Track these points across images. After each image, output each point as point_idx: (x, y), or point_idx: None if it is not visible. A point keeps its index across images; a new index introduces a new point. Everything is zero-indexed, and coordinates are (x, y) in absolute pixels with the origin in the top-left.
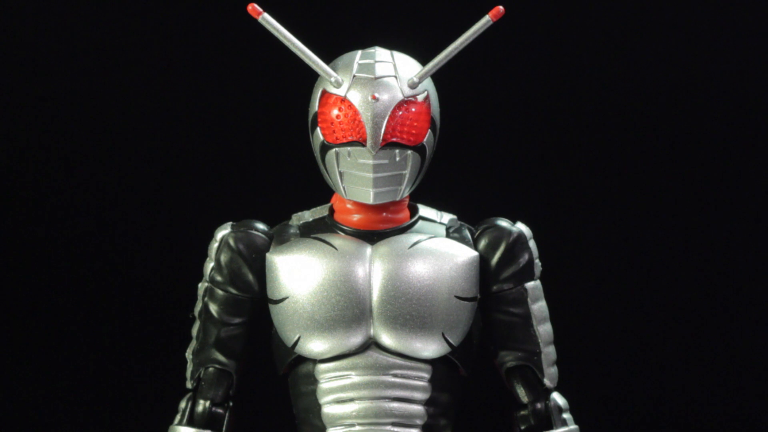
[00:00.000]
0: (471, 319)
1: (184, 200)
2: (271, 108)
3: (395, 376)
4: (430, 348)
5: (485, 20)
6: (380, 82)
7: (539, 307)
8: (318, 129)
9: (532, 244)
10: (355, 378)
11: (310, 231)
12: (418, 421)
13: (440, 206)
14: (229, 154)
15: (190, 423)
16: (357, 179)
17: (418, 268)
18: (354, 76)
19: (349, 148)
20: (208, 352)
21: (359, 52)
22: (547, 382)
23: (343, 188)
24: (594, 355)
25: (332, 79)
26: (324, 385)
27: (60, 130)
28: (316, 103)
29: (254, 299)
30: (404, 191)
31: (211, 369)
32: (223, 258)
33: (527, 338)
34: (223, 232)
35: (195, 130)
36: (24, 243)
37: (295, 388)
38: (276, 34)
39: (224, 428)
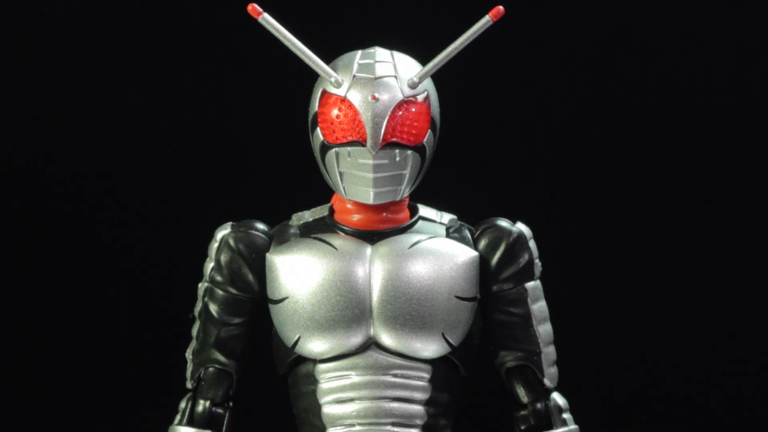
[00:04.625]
0: (471, 319)
1: (184, 200)
2: (271, 108)
3: (395, 376)
4: (430, 348)
5: (485, 20)
6: (380, 82)
7: (539, 307)
8: (318, 129)
9: (532, 244)
10: (355, 378)
11: (310, 231)
12: (418, 421)
13: (440, 206)
14: (229, 154)
15: (190, 423)
16: (357, 179)
17: (418, 268)
18: (354, 76)
19: (349, 148)
20: (208, 352)
21: (359, 52)
22: (547, 382)
23: (343, 188)
24: (594, 355)
25: (332, 79)
26: (324, 385)
27: (60, 130)
28: (316, 103)
29: (254, 299)
30: (404, 191)
31: (211, 369)
32: (223, 258)
33: (527, 338)
34: (223, 232)
35: (195, 130)
36: (24, 243)
37: (295, 388)
38: (276, 34)
39: (224, 428)
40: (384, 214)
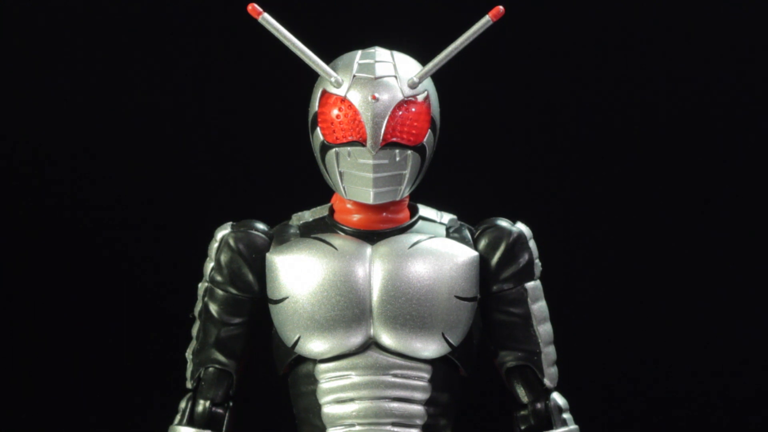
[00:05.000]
0: (471, 319)
1: (184, 200)
2: (271, 108)
3: (395, 376)
4: (430, 348)
5: (485, 20)
6: (380, 82)
7: (539, 307)
8: (318, 129)
9: (532, 244)
10: (355, 378)
11: (310, 231)
12: (418, 421)
13: (440, 206)
14: (229, 154)
15: (190, 423)
16: (357, 179)
17: (418, 268)
18: (354, 76)
19: (349, 148)
20: (208, 352)
21: (359, 52)
22: (547, 382)
23: (343, 188)
24: (594, 355)
25: (332, 79)
26: (324, 385)
27: (60, 130)
28: (316, 103)
29: (254, 299)
30: (404, 191)
31: (211, 369)
32: (223, 258)
33: (527, 338)
34: (223, 232)
35: (195, 130)
36: (24, 243)
37: (295, 388)
38: (276, 34)
39: (224, 428)
40: (384, 214)
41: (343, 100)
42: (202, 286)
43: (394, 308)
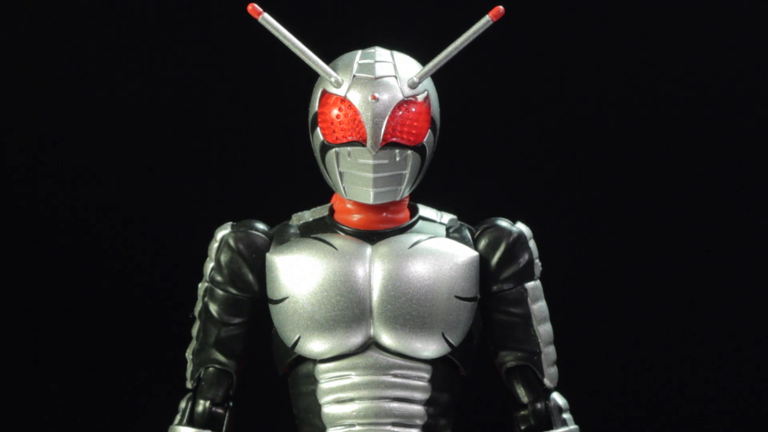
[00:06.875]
0: (471, 319)
1: (184, 200)
2: (271, 108)
3: (395, 376)
4: (430, 348)
5: (485, 20)
6: (380, 82)
7: (539, 307)
8: (318, 129)
9: (532, 244)
10: (355, 378)
11: (310, 231)
12: (418, 421)
13: (440, 206)
14: (229, 154)
15: (190, 423)
16: (357, 179)
17: (418, 268)
18: (354, 76)
19: (349, 148)
20: (208, 352)
21: (359, 52)
22: (547, 382)
23: (343, 188)
24: (594, 355)
25: (332, 79)
26: (324, 385)
27: (60, 130)
28: (316, 103)
29: (254, 299)
30: (404, 191)
31: (211, 369)
32: (223, 258)
33: (527, 338)
34: (223, 232)
35: (195, 130)
36: (24, 243)
37: (295, 388)
38: (276, 34)
39: (224, 428)
40: (384, 214)
41: (343, 100)
42: (202, 286)
43: (394, 308)
